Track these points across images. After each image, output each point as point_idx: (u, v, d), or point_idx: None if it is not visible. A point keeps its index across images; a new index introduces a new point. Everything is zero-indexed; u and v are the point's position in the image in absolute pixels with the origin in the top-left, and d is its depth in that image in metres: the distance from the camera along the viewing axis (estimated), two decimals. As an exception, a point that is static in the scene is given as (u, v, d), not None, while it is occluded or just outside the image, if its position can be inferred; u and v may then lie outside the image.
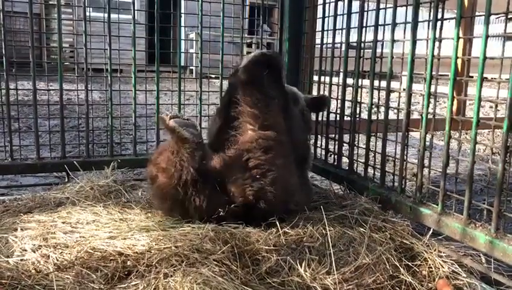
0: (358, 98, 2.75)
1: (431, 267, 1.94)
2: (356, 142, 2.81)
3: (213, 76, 3.58)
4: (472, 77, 2.27)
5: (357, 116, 2.78)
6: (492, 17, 1.91)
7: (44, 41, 12.17)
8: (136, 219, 2.20)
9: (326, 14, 3.11)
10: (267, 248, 1.94)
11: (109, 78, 3.04)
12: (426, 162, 2.26)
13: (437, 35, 2.15)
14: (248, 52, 2.92)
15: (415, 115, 2.45)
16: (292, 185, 2.28)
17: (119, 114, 3.29)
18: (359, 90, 2.74)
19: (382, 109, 2.55)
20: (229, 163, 2.18)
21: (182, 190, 2.08)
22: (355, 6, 2.76)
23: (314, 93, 3.25)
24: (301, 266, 1.83)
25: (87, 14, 2.97)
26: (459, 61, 2.16)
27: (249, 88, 2.25)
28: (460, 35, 2.09)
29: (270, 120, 2.23)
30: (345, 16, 2.84)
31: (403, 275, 1.86)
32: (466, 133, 3.63)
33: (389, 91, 2.49)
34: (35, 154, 2.96)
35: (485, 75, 1.94)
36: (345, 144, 2.92)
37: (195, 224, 2.09)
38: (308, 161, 2.68)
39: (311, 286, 1.74)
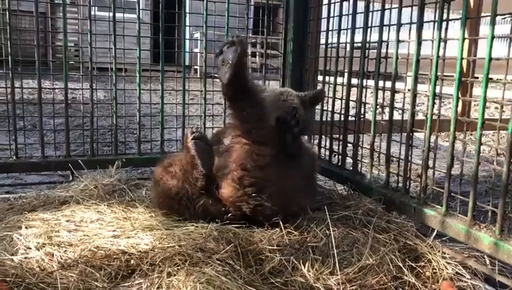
0: (363, 99, 2.74)
1: (435, 269, 1.94)
2: (360, 143, 2.81)
3: (217, 76, 3.58)
4: (477, 77, 2.26)
5: (362, 116, 2.77)
6: (498, 18, 1.90)
7: (49, 40, 12.17)
8: (139, 218, 2.20)
9: (331, 14, 3.11)
10: (270, 247, 1.93)
11: (114, 77, 3.05)
12: (431, 163, 2.26)
13: (442, 36, 2.15)
14: (252, 53, 2.91)
15: (419, 116, 2.45)
16: (293, 190, 2.23)
17: (124, 113, 3.30)
18: (364, 90, 2.73)
19: (387, 109, 2.55)
20: (223, 179, 2.15)
21: (178, 202, 2.17)
22: (360, 6, 2.76)
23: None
24: (304, 266, 1.83)
25: (92, 13, 2.98)
26: (464, 62, 2.16)
27: (237, 103, 2.16)
28: (466, 36, 2.08)
29: (266, 132, 2.15)
30: (350, 16, 2.83)
31: (406, 276, 1.86)
32: (471, 134, 3.61)
33: (393, 91, 2.48)
34: (40, 152, 2.97)
35: (490, 76, 1.93)
36: (349, 145, 2.92)
37: (198, 223, 2.09)
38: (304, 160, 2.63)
39: (314, 286, 1.74)
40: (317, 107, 3.06)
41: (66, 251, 1.83)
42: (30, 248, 1.84)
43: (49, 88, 3.14)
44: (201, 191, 2.14)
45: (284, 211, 2.14)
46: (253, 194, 2.09)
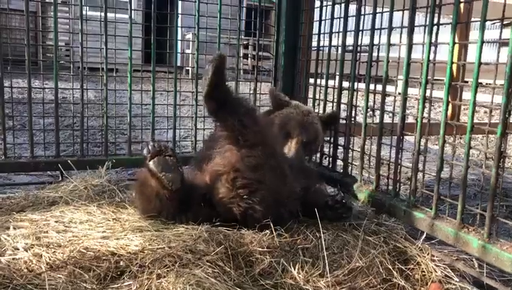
0: (354, 102, 2.75)
1: (424, 271, 1.95)
2: (351, 146, 2.82)
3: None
4: (467, 82, 2.28)
5: (353, 119, 2.78)
6: (487, 23, 1.92)
7: (40, 40, 12.11)
8: (129, 219, 2.19)
9: (323, 17, 3.12)
10: (260, 249, 1.93)
11: (105, 77, 3.03)
12: (420, 166, 2.27)
13: (433, 40, 2.16)
14: (244, 55, 2.92)
15: (410, 119, 2.46)
16: (285, 195, 2.22)
17: (114, 114, 3.28)
18: (355, 93, 2.74)
19: (377, 112, 2.56)
20: (214, 181, 2.15)
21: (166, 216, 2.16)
22: (352, 9, 2.77)
23: (310, 95, 3.25)
24: (294, 268, 1.83)
25: (84, 12, 2.97)
26: (455, 66, 2.17)
27: (219, 114, 2.17)
28: (456, 40, 2.10)
29: (252, 137, 2.13)
30: (342, 19, 2.84)
31: (396, 278, 1.87)
32: (460, 138, 3.65)
33: (384, 95, 2.49)
34: (29, 152, 2.95)
35: (480, 81, 1.95)
36: (339, 147, 2.93)
37: (189, 225, 2.08)
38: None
39: (304, 289, 1.74)
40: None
41: (54, 252, 1.81)
42: (18, 249, 1.82)
43: (39, 88, 3.11)
44: (181, 204, 2.13)
45: (274, 216, 2.13)
46: (245, 196, 2.08)
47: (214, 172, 2.17)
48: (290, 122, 2.71)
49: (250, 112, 2.24)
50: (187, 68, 10.73)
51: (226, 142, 2.17)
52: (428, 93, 2.22)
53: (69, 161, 2.93)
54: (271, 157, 2.17)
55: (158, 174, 2.03)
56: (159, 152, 2.07)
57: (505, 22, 2.12)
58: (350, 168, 2.84)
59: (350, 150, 2.82)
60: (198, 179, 2.26)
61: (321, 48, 3.15)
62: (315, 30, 3.24)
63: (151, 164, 2.05)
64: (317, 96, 3.16)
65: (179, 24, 3.45)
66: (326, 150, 3.07)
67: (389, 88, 2.52)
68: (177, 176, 2.05)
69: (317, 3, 3.16)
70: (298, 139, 2.66)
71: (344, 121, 2.83)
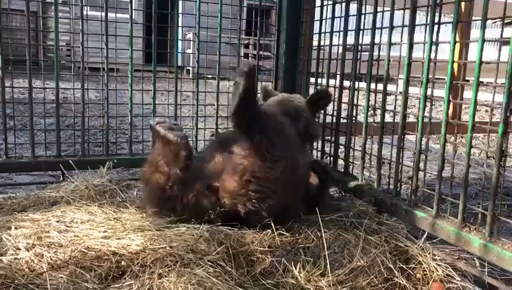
0: (355, 101, 2.75)
1: (425, 271, 1.95)
2: (352, 145, 2.82)
3: (210, 77, 3.59)
4: (468, 81, 2.28)
5: (354, 118, 2.78)
6: (488, 22, 1.92)
7: (41, 40, 12.12)
8: (130, 219, 2.19)
9: (324, 16, 3.12)
10: (262, 249, 1.93)
11: (106, 77, 3.03)
12: (421, 165, 2.27)
13: (434, 39, 2.16)
14: (245, 55, 2.93)
15: (411, 118, 2.46)
16: (290, 204, 2.21)
17: (115, 113, 3.28)
18: (356, 92, 2.74)
19: (378, 111, 2.56)
20: (229, 173, 2.10)
21: (170, 190, 2.12)
22: (353, 9, 2.77)
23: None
24: (296, 268, 1.83)
25: (85, 12, 2.97)
26: (456, 65, 2.17)
27: (246, 130, 2.11)
28: (457, 39, 2.10)
29: (279, 154, 2.08)
30: (343, 19, 2.84)
31: (397, 277, 1.87)
32: (461, 137, 3.64)
33: (385, 94, 2.49)
34: (30, 152, 2.95)
35: (481, 80, 1.94)
36: (341, 146, 2.93)
37: (190, 224, 2.08)
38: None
39: (305, 288, 1.74)
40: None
41: (56, 251, 1.81)
42: (19, 249, 1.82)
43: (40, 88, 3.11)
44: (186, 171, 2.10)
45: (278, 221, 2.13)
46: (254, 200, 2.05)
47: (232, 166, 2.10)
48: (269, 103, 2.74)
49: (279, 129, 2.18)
50: (188, 68, 10.72)
51: (250, 153, 2.10)
52: (429, 92, 2.22)
53: (70, 161, 2.93)
54: (293, 173, 2.15)
55: (163, 132, 2.09)
56: (164, 122, 2.17)
57: (506, 21, 2.12)
58: (351, 167, 2.84)
59: (351, 150, 2.82)
60: (205, 168, 2.22)
61: (322, 47, 3.15)
62: (316, 29, 3.24)
63: (157, 126, 2.13)
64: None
65: (180, 24, 3.45)
66: (327, 149, 3.07)
67: (390, 87, 2.52)
68: (182, 133, 2.11)
69: (318, 3, 3.15)
70: None
71: (345, 120, 2.83)
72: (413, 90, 2.42)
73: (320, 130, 3.01)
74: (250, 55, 10.52)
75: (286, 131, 2.22)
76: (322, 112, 3.03)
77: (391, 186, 2.47)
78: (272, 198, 2.07)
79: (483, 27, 1.89)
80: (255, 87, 2.05)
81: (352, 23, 2.76)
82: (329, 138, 3.02)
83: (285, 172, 2.08)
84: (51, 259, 1.75)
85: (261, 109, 2.19)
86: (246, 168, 2.06)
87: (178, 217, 2.13)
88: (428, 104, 2.22)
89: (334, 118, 2.93)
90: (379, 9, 2.56)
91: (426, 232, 2.16)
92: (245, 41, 10.61)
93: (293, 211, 2.23)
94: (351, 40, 2.77)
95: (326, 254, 1.91)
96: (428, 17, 2.18)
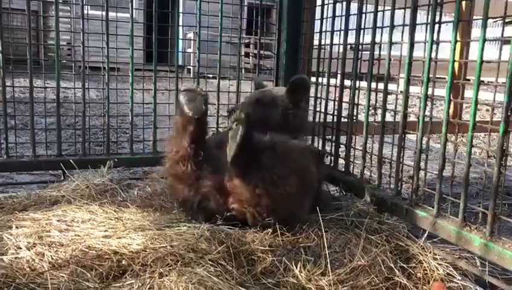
0: (356, 100, 2.75)
1: (426, 270, 1.95)
2: (353, 144, 2.82)
3: (210, 76, 3.59)
4: (469, 80, 2.28)
5: (354, 118, 2.78)
6: (489, 21, 1.92)
7: (41, 39, 12.13)
8: (131, 218, 2.19)
9: (325, 16, 3.12)
10: (262, 248, 1.94)
11: (106, 76, 3.03)
12: (422, 164, 2.27)
13: (435, 38, 2.16)
14: (246, 54, 2.93)
15: (411, 118, 2.46)
16: (300, 212, 2.22)
17: (116, 113, 3.28)
18: (356, 92, 2.74)
19: (379, 111, 2.56)
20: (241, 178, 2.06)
21: (182, 164, 2.11)
22: (354, 8, 2.77)
23: (312, 94, 3.24)
24: (296, 267, 1.83)
25: (85, 12, 2.97)
26: (456, 65, 2.17)
27: (248, 172, 2.06)
28: (458, 38, 2.09)
29: (287, 171, 2.08)
30: (343, 18, 2.84)
31: (398, 277, 1.87)
32: (462, 136, 3.64)
33: (386, 93, 2.49)
34: (31, 152, 2.95)
35: (481, 79, 1.94)
36: (341, 146, 2.92)
37: (191, 223, 2.09)
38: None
39: (306, 287, 1.74)
40: (309, 108, 3.05)
41: (57, 251, 1.81)
42: (20, 248, 1.82)
43: (40, 87, 3.12)
44: (197, 147, 2.08)
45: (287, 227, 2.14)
46: (264, 213, 2.06)
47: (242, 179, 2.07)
48: (249, 96, 2.79)
49: (282, 147, 2.15)
50: (188, 67, 10.72)
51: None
52: (430, 92, 2.21)
53: (71, 160, 2.93)
54: (305, 182, 2.16)
55: (181, 102, 2.05)
56: (192, 89, 2.12)
57: (506, 20, 2.12)
58: (352, 167, 2.84)
59: (352, 149, 2.82)
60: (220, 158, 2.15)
61: (322, 47, 3.14)
62: (316, 28, 3.24)
63: (181, 94, 2.10)
64: (318, 95, 3.16)
65: (180, 23, 3.45)
66: (328, 148, 3.07)
67: (391, 86, 2.52)
68: (199, 106, 2.05)
69: (319, 2, 3.15)
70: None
71: (346, 120, 2.83)
72: (414, 90, 2.42)
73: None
74: (250, 54, 10.52)
75: (289, 145, 2.21)
76: (323, 111, 3.03)
77: (392, 186, 2.47)
78: (282, 210, 2.09)
79: (484, 26, 1.89)
80: (251, 131, 2.03)
81: (353, 22, 2.76)
82: (330, 137, 3.01)
83: (297, 185, 2.09)
84: (52, 258, 1.76)
85: (261, 151, 2.11)
86: (258, 184, 2.04)
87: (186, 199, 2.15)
88: (429, 103, 2.22)
89: (335, 117, 2.93)
90: (380, 8, 2.55)
91: (427, 232, 2.16)
92: (246, 41, 10.61)
93: (302, 217, 2.23)
94: (351, 39, 2.77)
95: (327, 253, 1.91)
96: (429, 16, 2.18)
